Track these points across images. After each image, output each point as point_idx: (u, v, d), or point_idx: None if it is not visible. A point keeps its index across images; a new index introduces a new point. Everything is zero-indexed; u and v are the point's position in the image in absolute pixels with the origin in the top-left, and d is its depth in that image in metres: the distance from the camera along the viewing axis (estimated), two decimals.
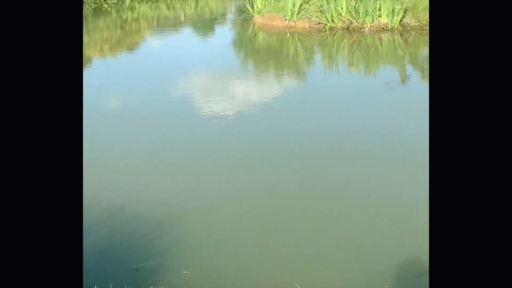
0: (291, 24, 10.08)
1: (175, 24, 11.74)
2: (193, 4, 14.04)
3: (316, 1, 9.94)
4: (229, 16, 12.74)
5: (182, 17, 12.83)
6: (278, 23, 10.31)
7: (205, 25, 11.72)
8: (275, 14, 10.59)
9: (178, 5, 13.89)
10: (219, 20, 11.95)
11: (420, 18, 9.38)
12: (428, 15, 9.34)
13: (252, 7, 11.35)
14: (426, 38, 8.97)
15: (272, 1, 11.26)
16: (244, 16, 11.57)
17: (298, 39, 9.41)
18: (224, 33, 10.90)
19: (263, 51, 8.84)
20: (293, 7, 10.04)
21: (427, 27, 9.35)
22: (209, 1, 14.61)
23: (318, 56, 8.45)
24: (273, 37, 9.73)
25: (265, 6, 11.14)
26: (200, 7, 13.92)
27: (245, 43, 9.65)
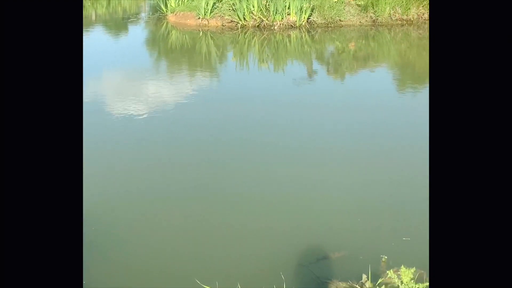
0: (204, 22, 10.19)
1: (85, 24, 11.42)
2: (105, 3, 13.71)
3: (229, 0, 10.12)
4: (143, 15, 12.60)
5: (93, 17, 12.50)
6: (191, 21, 10.38)
7: (118, 24, 11.52)
8: (189, 13, 10.64)
9: (89, 3, 13.50)
10: (132, 19, 11.80)
11: (325, 16, 9.85)
12: (333, 13, 9.83)
13: (166, 5, 11.32)
14: (331, 35, 9.45)
15: (185, 0, 11.30)
16: (157, 15, 11.50)
17: (211, 37, 9.55)
18: (137, 33, 10.79)
19: (176, 50, 8.88)
20: (207, 5, 10.15)
21: (332, 25, 9.85)
22: (122, 0, 14.34)
23: (230, 54, 8.64)
24: (186, 36, 9.79)
25: (178, 5, 11.15)
26: (113, 6, 13.62)
27: (158, 42, 9.63)
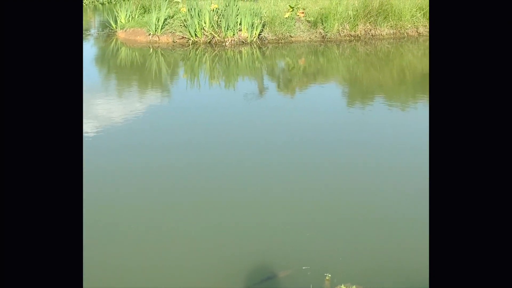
0: (155, 39, 10.11)
1: None
2: None
3: (180, 16, 10.08)
4: (92, 31, 12.38)
5: None
6: (142, 38, 10.27)
7: None
8: (139, 29, 10.53)
9: None
10: None
11: (276, 32, 9.97)
12: (283, 29, 9.97)
13: (116, 22, 11.16)
14: (281, 51, 9.57)
15: (136, 16, 11.18)
16: (107, 31, 11.33)
17: (162, 54, 9.47)
18: (86, 49, 10.57)
19: (126, 67, 8.75)
20: (157, 21, 10.07)
21: (283, 41, 9.99)
22: None
23: (180, 71, 8.59)
24: (136, 53, 9.67)
25: (128, 21, 11.02)
26: None
27: (107, 59, 9.47)
